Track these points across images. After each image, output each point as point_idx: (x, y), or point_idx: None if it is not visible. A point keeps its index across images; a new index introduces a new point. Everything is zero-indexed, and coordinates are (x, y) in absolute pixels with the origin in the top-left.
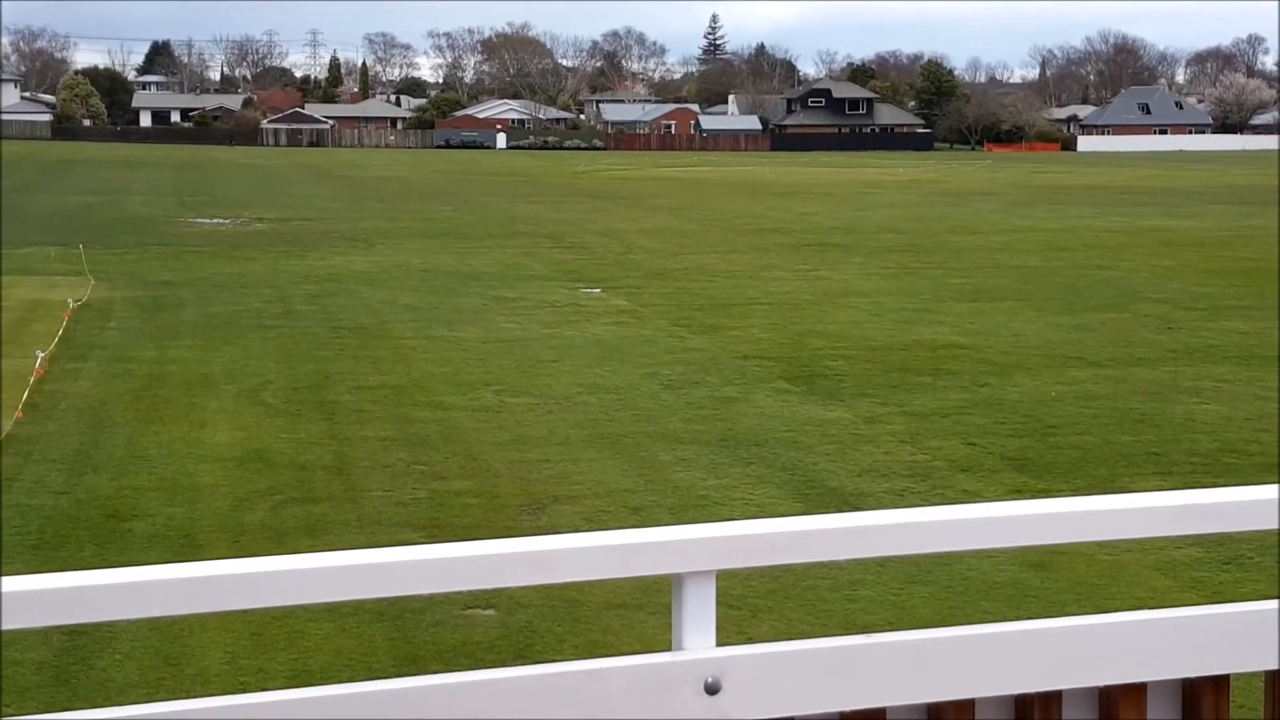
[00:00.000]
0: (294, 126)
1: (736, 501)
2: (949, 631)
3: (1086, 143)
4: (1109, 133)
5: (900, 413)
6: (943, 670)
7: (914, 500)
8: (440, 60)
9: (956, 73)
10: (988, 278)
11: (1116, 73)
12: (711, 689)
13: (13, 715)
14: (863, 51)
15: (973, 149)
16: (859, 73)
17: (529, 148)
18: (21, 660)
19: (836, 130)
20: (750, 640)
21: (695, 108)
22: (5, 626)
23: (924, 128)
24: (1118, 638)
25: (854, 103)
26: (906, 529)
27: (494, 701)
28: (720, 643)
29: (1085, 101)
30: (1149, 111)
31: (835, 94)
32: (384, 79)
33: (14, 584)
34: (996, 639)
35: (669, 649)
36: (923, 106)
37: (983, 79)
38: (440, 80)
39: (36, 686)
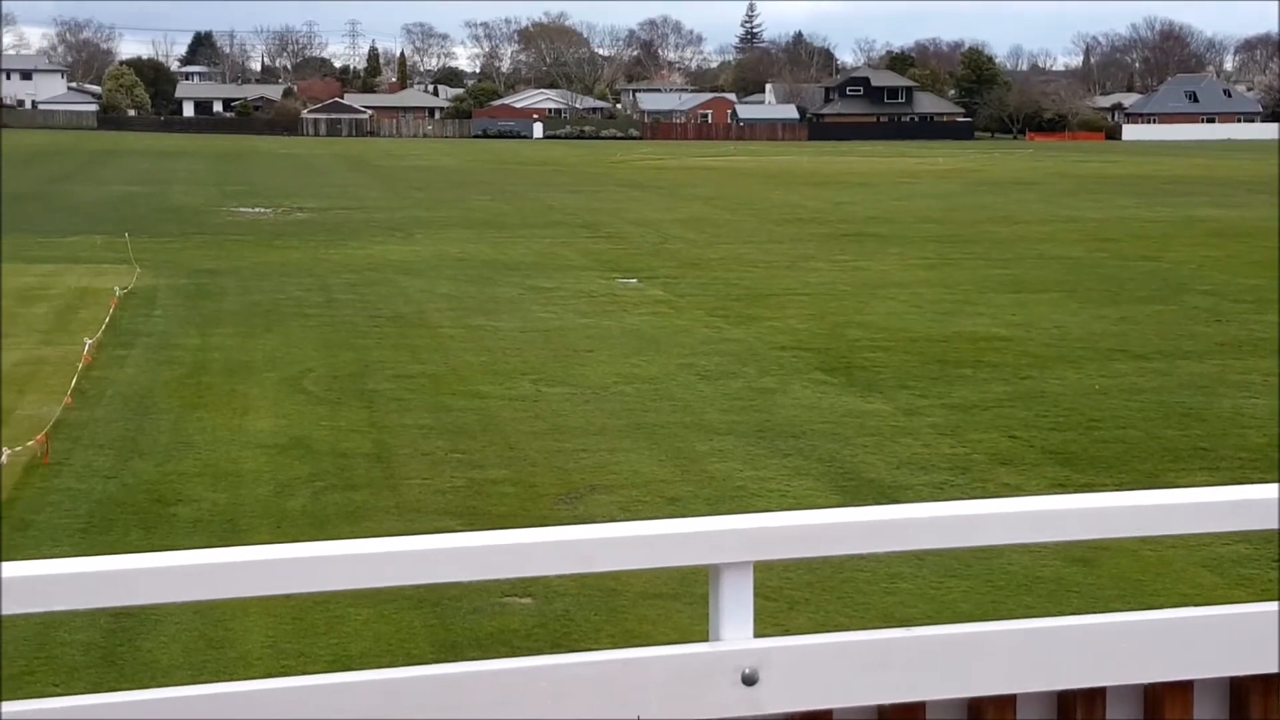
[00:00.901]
0: (333, 116)
1: (773, 493)
2: (989, 626)
3: (1131, 132)
4: (1155, 121)
5: (940, 405)
6: (983, 665)
7: (954, 493)
8: (477, 50)
9: (998, 60)
10: (1030, 269)
11: (1163, 60)
12: (749, 680)
13: (61, 695)
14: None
15: (1014, 138)
16: (898, 61)
17: (566, 137)
18: (70, 641)
19: (875, 119)
20: (787, 632)
21: (732, 97)
22: (54, 608)
23: (964, 117)
24: (1163, 635)
25: (893, 91)
26: (946, 522)
27: (531, 689)
28: (757, 634)
29: (1130, 90)
30: (1196, 100)
31: (874, 82)
32: (422, 69)
33: (63, 566)
34: (1038, 634)
35: (706, 639)
36: (963, 95)
37: (1025, 67)
38: (477, 70)
39: (84, 667)
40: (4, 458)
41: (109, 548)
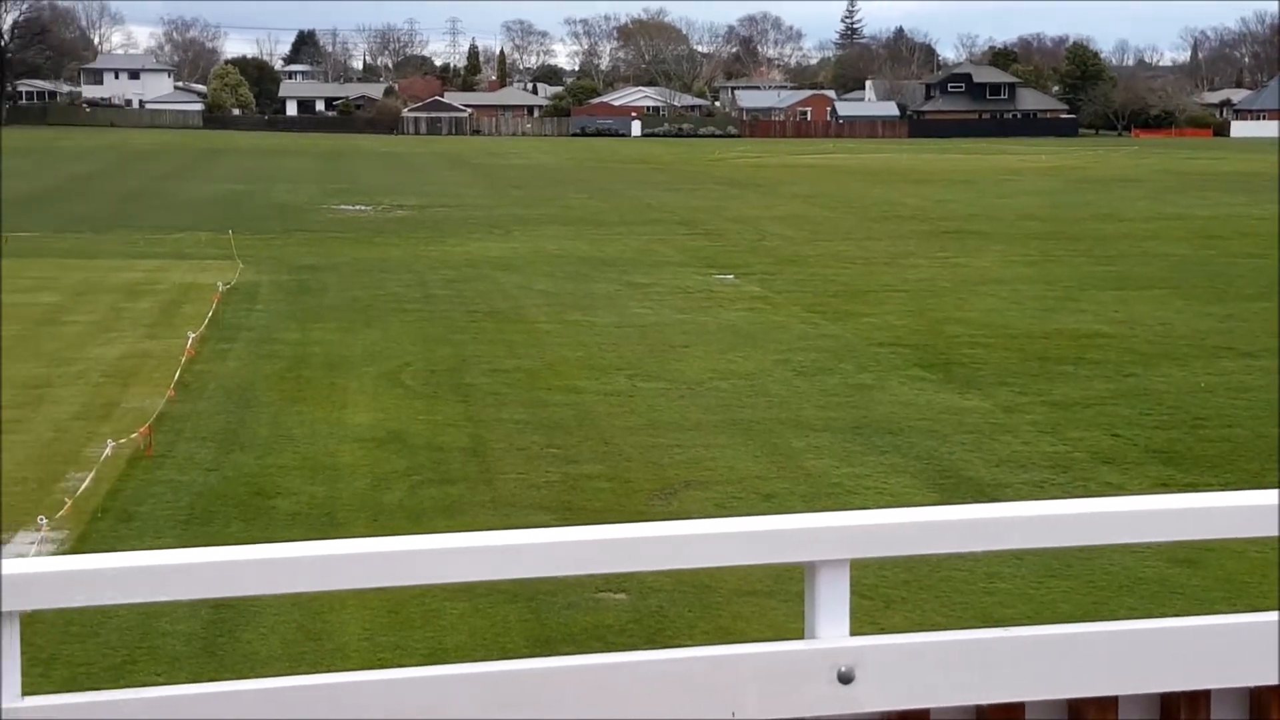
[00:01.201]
0: (433, 114)
1: (870, 490)
2: (1091, 627)
3: (1240, 128)
4: (1264, 118)
5: (1040, 402)
6: (1084, 666)
7: (1054, 492)
8: (577, 47)
9: (1103, 56)
10: (1134, 265)
11: (1273, 55)
12: (845, 678)
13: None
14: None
15: (1119, 135)
16: (1001, 56)
17: (664, 135)
18: (171, 631)
19: (977, 116)
20: (884, 631)
21: (831, 94)
22: (157, 599)
23: (1068, 113)
24: (1271, 637)
25: (995, 87)
26: (1046, 521)
27: (625, 684)
28: (853, 632)
29: (1239, 85)
30: None
31: (976, 78)
32: (521, 67)
33: (165, 558)
34: (1141, 635)
35: (801, 637)
36: (1067, 91)
37: (1130, 62)
38: (576, 67)
39: (186, 657)
40: (109, 450)
41: (209, 539)
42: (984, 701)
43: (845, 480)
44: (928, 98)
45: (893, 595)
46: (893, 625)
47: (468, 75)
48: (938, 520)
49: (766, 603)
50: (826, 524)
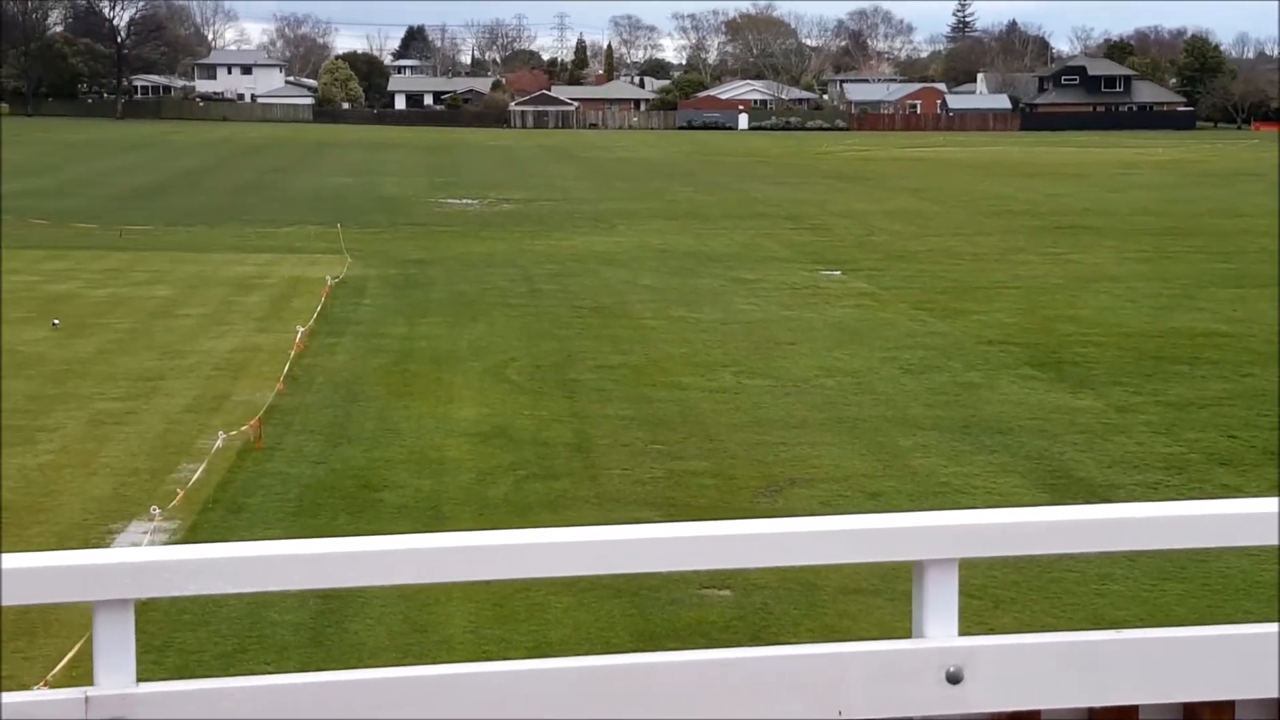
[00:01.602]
0: (540, 108)
1: (978, 490)
2: (1207, 630)
3: None
4: None
5: (1155, 402)
6: (1200, 670)
7: (1168, 494)
8: (684, 41)
9: (1222, 48)
10: (1253, 263)
11: None
12: (953, 678)
13: (271, 673)
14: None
15: (1239, 128)
16: (1116, 49)
17: (771, 128)
18: (280, 621)
19: (1091, 109)
20: (992, 631)
21: (942, 87)
22: (266, 588)
23: (1186, 106)
24: None
25: (1110, 80)
26: (1160, 523)
27: (730, 682)
28: (962, 632)
29: None
30: None
31: (1090, 71)
32: (628, 60)
33: (275, 548)
34: (1259, 640)
35: (908, 636)
36: (1185, 84)
37: (1251, 54)
38: (684, 61)
39: (294, 646)
40: (220, 442)
41: (317, 531)
42: (1096, 704)
43: (953, 479)
44: (1041, 90)
45: (1002, 595)
46: (1002, 626)
47: (575, 69)
48: (1049, 520)
49: (872, 601)
50: (935, 523)
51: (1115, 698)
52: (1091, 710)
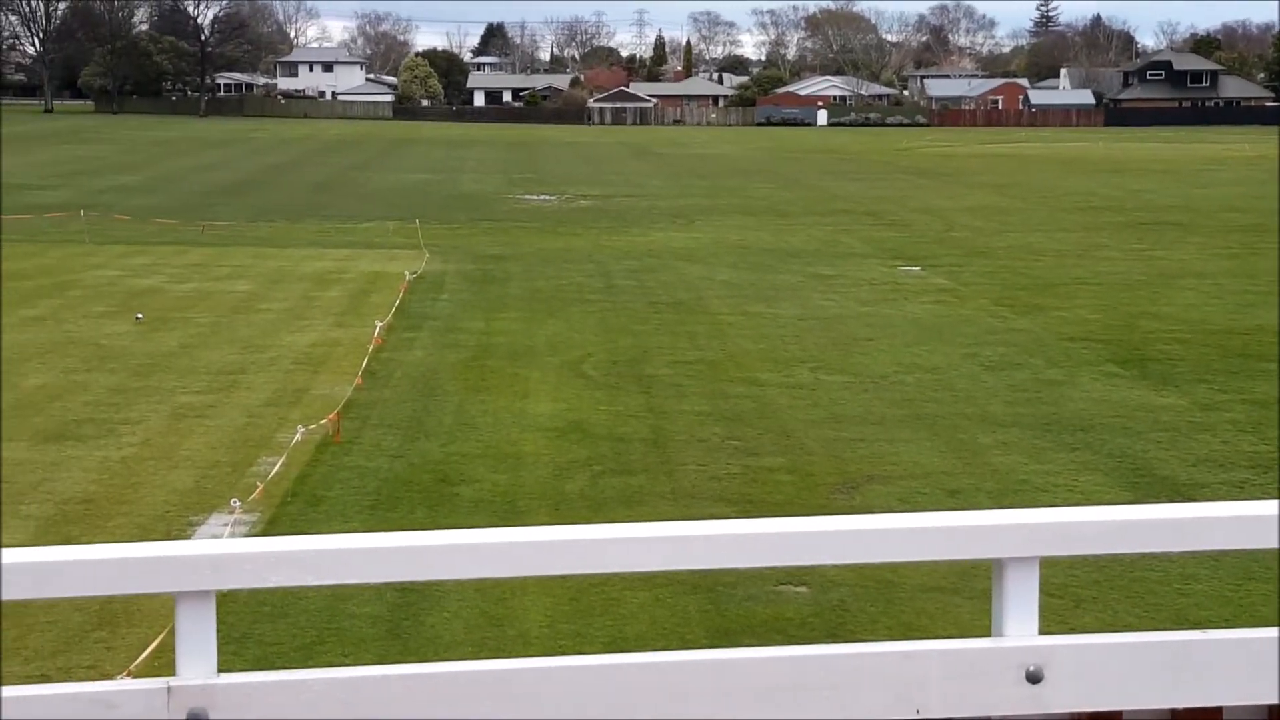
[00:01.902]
0: (618, 105)
1: (1060, 488)
2: None
3: None
4: None
5: (1241, 400)
6: None
7: (1254, 493)
8: (763, 37)
9: None
10: None
11: None
12: (1033, 678)
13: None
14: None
15: None
16: (1203, 44)
17: (850, 124)
18: (358, 614)
19: (1176, 104)
20: (1073, 630)
21: (1024, 82)
22: (345, 581)
23: (1274, 101)
24: None
25: (1196, 75)
26: (1247, 523)
27: (807, 679)
28: (1042, 631)
29: None
30: None
31: (1176, 66)
32: (707, 57)
33: (353, 541)
34: None
35: (987, 635)
36: (1273, 79)
37: None
38: (763, 57)
39: (371, 639)
40: (299, 435)
41: (395, 524)
42: (1179, 705)
43: (1033, 477)
44: (1125, 86)
45: (1083, 595)
46: (1083, 625)
47: (653, 66)
48: (1132, 519)
49: (950, 599)
50: (1015, 521)
51: (1198, 699)
52: (1174, 711)
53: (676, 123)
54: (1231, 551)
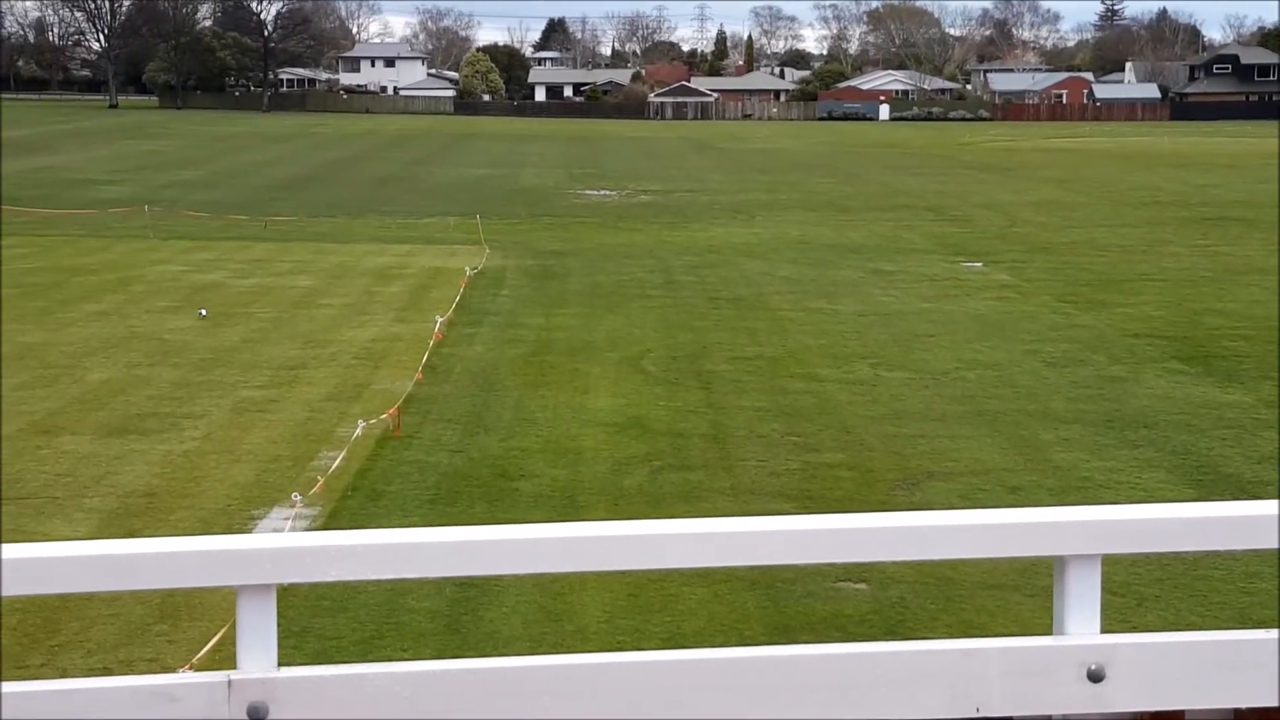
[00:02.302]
0: (679, 99)
1: (1122, 485)
2: None
3: None
4: None
5: None
6: None
7: None
8: (825, 32)
9: None
10: None
11: None
12: (1095, 676)
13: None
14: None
15: None
16: (1271, 37)
17: (912, 118)
18: (417, 608)
19: (1244, 98)
20: (1135, 629)
21: (1089, 76)
22: (404, 575)
23: None
24: None
25: (1264, 69)
26: None
27: (865, 675)
28: (1104, 630)
29: None
30: None
31: (1243, 60)
32: (768, 51)
33: (413, 536)
34: None
35: (1048, 633)
36: None
37: None
38: (824, 52)
39: (430, 633)
40: (359, 430)
41: (454, 519)
42: (1242, 705)
43: (1096, 474)
44: (1191, 79)
45: (1145, 593)
46: (1145, 624)
47: (714, 60)
48: (1196, 517)
49: (1011, 597)
50: (1078, 518)
51: (1262, 699)
52: (1237, 711)
53: (746, 116)
54: None
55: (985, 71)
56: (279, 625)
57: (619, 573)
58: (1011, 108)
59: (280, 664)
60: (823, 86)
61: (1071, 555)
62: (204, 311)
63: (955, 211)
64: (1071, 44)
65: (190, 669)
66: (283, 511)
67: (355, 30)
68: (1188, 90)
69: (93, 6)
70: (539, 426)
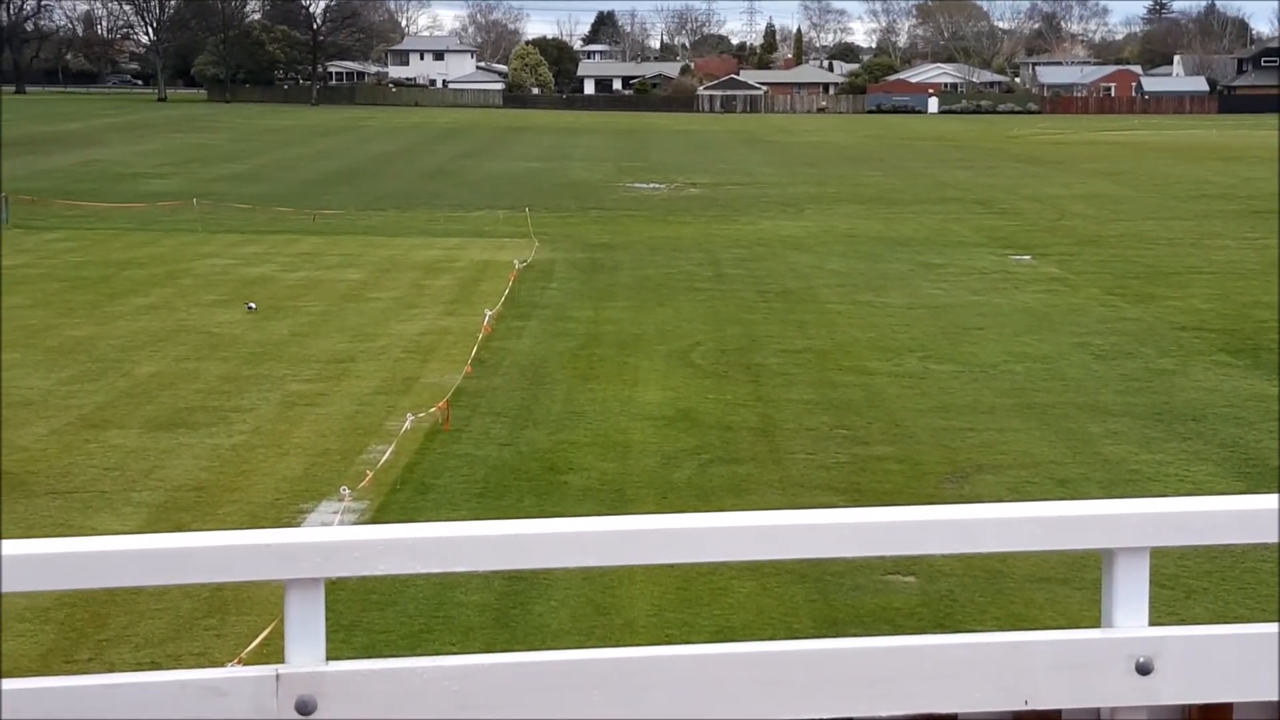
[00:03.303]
0: (728, 93)
1: (1170, 478)
2: None
3: None
4: None
5: None
6: None
7: None
8: (874, 25)
9: None
10: None
11: None
12: (1143, 669)
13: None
14: None
15: None
16: None
17: (961, 111)
18: (465, 602)
19: None
20: (1183, 621)
21: (1137, 69)
22: (453, 569)
23: None
24: None
25: None
26: None
27: (914, 669)
28: (1153, 622)
29: None
30: None
31: None
32: (817, 44)
33: (461, 529)
34: None
35: (1096, 625)
36: None
37: None
38: (873, 45)
39: (479, 627)
40: (408, 423)
41: (503, 513)
42: None
43: (1144, 467)
44: (1240, 73)
45: (1194, 585)
46: (1193, 616)
47: (764, 53)
48: (1244, 509)
49: (1060, 590)
50: (1126, 510)
51: None
52: None
53: (768, 110)
54: None
55: (1034, 65)
56: (327, 619)
57: (667, 566)
58: (1060, 101)
59: (329, 658)
60: (871, 80)
61: (1120, 548)
62: (253, 305)
63: (1004, 204)
64: (1120, 37)
65: (238, 663)
66: (331, 505)
67: (404, 23)
68: (1235, 83)
69: (141, 0)
70: (588, 420)
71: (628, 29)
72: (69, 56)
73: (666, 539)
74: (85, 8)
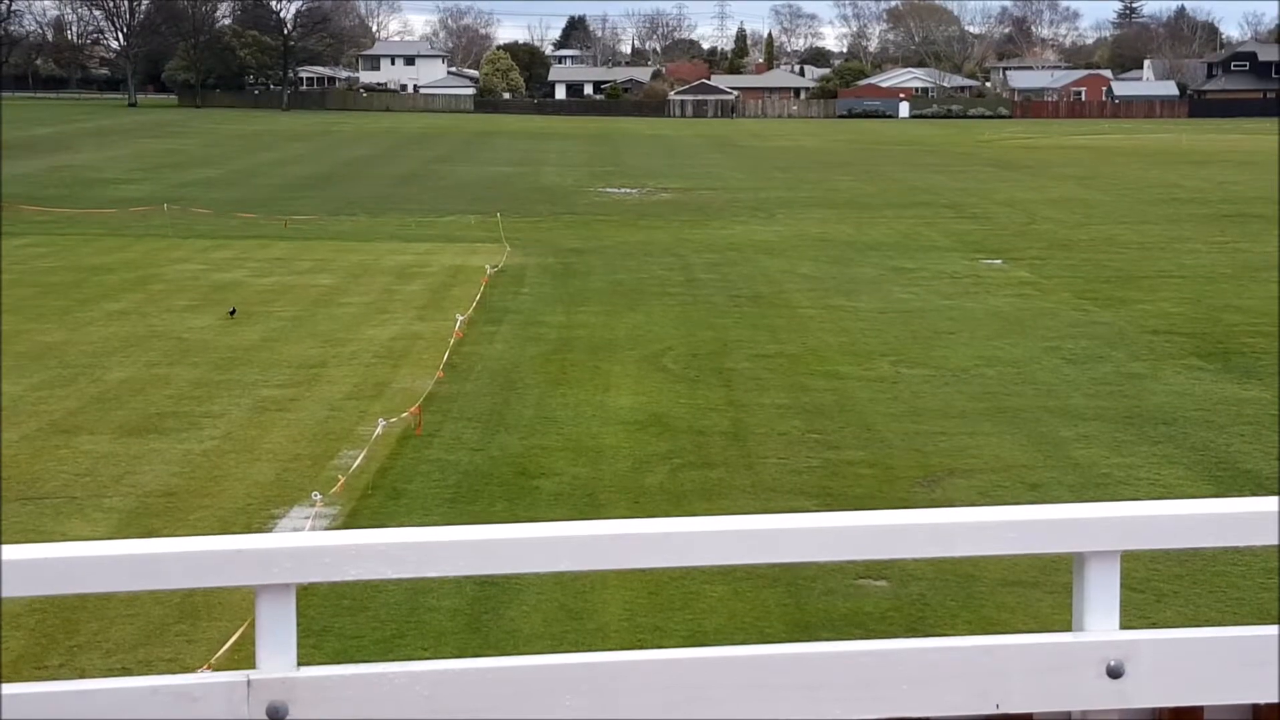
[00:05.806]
0: (700, 97)
1: (1141, 481)
2: None
3: None
4: None
5: None
6: None
7: None
8: (845, 30)
9: None
10: None
11: None
12: (1114, 672)
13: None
14: None
15: None
16: None
17: (932, 116)
18: (437, 607)
19: (1261, 95)
20: (1155, 625)
21: (1108, 73)
22: (425, 574)
23: None
24: None
25: None
26: None
27: (886, 673)
28: (1124, 626)
29: None
30: None
31: (1261, 57)
32: (789, 49)
33: (433, 534)
34: None
35: (1068, 629)
36: None
37: None
38: (844, 49)
39: (451, 632)
40: (380, 429)
41: (475, 517)
42: (1261, 700)
43: (1115, 470)
44: (1209, 77)
45: (1164, 589)
46: (1164, 620)
47: (735, 58)
48: (1214, 513)
49: (1031, 594)
50: (1097, 514)
51: None
52: (1255, 707)
53: (738, 114)
54: None
55: (1004, 69)
56: (299, 625)
57: (640, 571)
58: (1031, 105)
59: (300, 664)
60: (843, 84)
61: (1091, 552)
62: (235, 311)
63: (975, 209)
64: (1090, 42)
65: (209, 669)
66: (303, 511)
67: (375, 28)
68: (1206, 87)
69: (111, 5)
70: (560, 425)
71: (599, 34)
72: (39, 62)
73: (639, 543)
74: (55, 13)
